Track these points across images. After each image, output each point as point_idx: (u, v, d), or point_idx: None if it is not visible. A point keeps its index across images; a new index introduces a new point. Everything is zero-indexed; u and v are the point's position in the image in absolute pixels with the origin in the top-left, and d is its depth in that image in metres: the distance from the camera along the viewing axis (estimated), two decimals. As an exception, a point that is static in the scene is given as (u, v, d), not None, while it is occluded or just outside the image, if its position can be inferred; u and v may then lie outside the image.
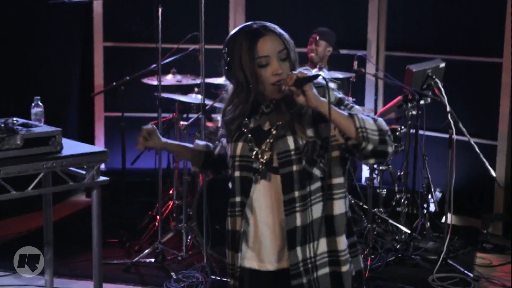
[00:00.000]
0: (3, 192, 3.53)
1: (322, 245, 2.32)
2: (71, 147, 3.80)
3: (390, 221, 5.28)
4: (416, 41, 6.25)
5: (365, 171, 6.27)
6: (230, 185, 2.44)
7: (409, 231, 5.14)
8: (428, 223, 5.33)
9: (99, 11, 6.70)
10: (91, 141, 6.80)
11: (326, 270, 2.33)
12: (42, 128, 3.68)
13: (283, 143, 2.30)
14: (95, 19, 6.71)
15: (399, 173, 5.40)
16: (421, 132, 5.26)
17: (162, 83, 5.25)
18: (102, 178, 3.84)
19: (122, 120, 5.38)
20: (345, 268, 2.33)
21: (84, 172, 3.84)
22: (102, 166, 6.87)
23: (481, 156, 4.84)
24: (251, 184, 2.36)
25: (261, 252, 2.39)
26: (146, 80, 5.40)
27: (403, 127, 5.29)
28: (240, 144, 2.40)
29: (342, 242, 2.34)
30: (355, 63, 5.23)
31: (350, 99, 2.37)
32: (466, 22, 5.98)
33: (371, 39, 6.39)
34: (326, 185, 2.31)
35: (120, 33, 6.76)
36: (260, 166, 2.34)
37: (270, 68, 2.28)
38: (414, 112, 5.11)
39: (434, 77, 5.04)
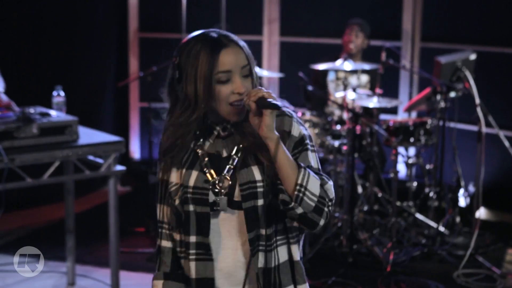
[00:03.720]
0: (19, 179, 3.62)
1: None
2: (88, 136, 3.85)
3: (417, 215, 5.21)
4: (453, 32, 6.12)
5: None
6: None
7: (435, 226, 5.06)
8: (458, 218, 5.24)
9: (134, 2, 6.76)
10: (126, 131, 6.88)
11: None
12: (59, 117, 3.74)
13: (247, 172, 1.97)
14: (130, 10, 6.77)
15: (428, 167, 5.31)
16: (452, 125, 5.17)
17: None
18: (119, 168, 3.89)
19: (149, 111, 5.42)
20: None
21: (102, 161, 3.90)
22: (137, 155, 6.97)
23: (510, 150, 4.72)
24: (209, 220, 1.99)
25: None
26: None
27: (433, 119, 5.20)
28: (194, 174, 2.00)
29: None
30: (383, 54, 5.15)
31: (314, 145, 2.06)
32: (506, 12, 5.83)
33: (407, 29, 6.29)
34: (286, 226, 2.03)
35: (155, 23, 6.81)
36: (219, 199, 1.99)
37: (231, 86, 1.93)
38: (444, 105, 5.02)
39: (463, 69, 4.93)
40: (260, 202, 1.97)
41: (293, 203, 1.90)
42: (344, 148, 5.01)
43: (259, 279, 2.00)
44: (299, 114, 5.17)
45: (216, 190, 1.98)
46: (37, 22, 5.91)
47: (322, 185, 1.94)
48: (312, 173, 1.93)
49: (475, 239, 4.77)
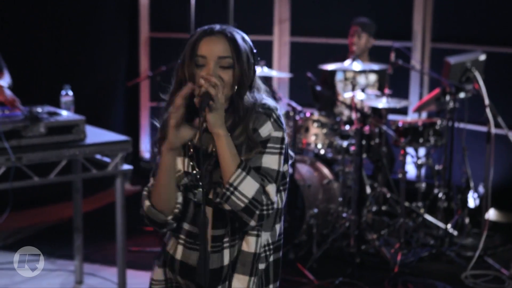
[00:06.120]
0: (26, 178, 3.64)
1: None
2: (95, 135, 3.87)
3: (426, 216, 5.19)
4: (464, 33, 6.10)
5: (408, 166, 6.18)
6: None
7: (443, 227, 5.04)
8: (467, 219, 5.22)
9: (145, 2, 6.78)
10: (136, 130, 6.91)
11: None
12: (66, 116, 3.76)
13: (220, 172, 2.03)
14: (141, 9, 6.79)
15: (437, 167, 5.30)
16: (462, 125, 5.15)
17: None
18: (126, 167, 3.90)
19: (159, 110, 5.42)
20: None
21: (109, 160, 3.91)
22: (148, 155, 6.99)
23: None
24: (194, 208, 2.10)
25: None
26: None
27: (443, 120, 5.17)
28: (180, 159, 2.09)
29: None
30: (392, 54, 5.14)
31: (283, 148, 2.07)
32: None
33: (417, 30, 6.27)
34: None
35: (166, 23, 6.82)
36: (197, 192, 2.08)
37: (203, 70, 2.02)
38: (453, 105, 5.00)
39: (473, 69, 4.91)
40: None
41: (218, 199, 1.99)
42: (353, 148, 5.00)
43: (220, 274, 2.08)
44: (308, 114, 5.16)
45: (195, 183, 2.07)
46: (46, 20, 5.94)
47: (263, 187, 1.99)
48: (251, 176, 1.97)
49: (484, 240, 4.75)
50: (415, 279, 4.49)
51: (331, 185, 5.04)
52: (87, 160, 3.86)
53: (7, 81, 3.98)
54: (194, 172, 2.07)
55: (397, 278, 4.45)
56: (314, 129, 5.11)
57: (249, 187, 1.96)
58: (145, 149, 7.00)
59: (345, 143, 5.03)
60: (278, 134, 2.05)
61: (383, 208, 5.26)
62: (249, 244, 2.07)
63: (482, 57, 5.09)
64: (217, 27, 2.07)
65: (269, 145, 2.03)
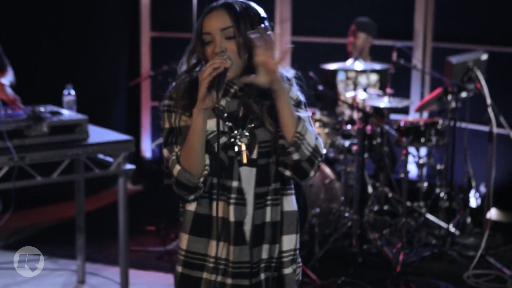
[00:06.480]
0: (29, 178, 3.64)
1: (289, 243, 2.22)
2: (98, 135, 3.87)
3: (428, 215, 5.20)
4: (465, 32, 6.10)
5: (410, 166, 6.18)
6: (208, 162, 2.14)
7: (445, 226, 5.04)
8: (469, 218, 5.22)
9: (146, 2, 6.78)
10: (138, 130, 6.90)
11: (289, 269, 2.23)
12: (69, 116, 3.76)
13: (264, 131, 2.14)
14: (142, 9, 6.79)
15: (439, 167, 5.30)
16: (464, 125, 5.15)
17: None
18: (128, 166, 3.90)
19: (159, 110, 5.43)
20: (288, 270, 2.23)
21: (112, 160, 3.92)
22: (149, 154, 6.99)
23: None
24: (234, 164, 2.14)
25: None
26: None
27: (445, 119, 5.18)
28: (212, 120, 2.10)
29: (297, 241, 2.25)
30: (394, 54, 5.14)
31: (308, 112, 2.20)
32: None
33: (418, 29, 6.27)
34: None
35: (167, 23, 6.82)
36: (243, 154, 2.13)
37: (212, 46, 2.10)
38: (455, 105, 5.00)
39: (474, 69, 4.91)
40: (272, 159, 2.15)
41: (291, 148, 2.06)
42: (354, 148, 5.00)
43: (263, 231, 2.16)
44: (310, 113, 5.15)
45: (238, 144, 2.13)
46: (48, 20, 5.94)
47: (316, 139, 2.12)
48: (309, 126, 2.11)
49: (485, 240, 4.75)
50: (417, 278, 4.49)
51: (333, 185, 5.04)
52: (90, 160, 3.86)
53: (9, 79, 3.97)
54: (234, 133, 2.13)
55: (399, 277, 4.45)
56: (316, 128, 5.12)
57: (311, 136, 2.09)
58: (146, 148, 7.00)
59: (347, 143, 5.03)
60: (303, 98, 2.21)
61: (385, 207, 5.26)
62: (291, 204, 2.22)
63: (484, 57, 5.09)
64: (220, 1, 2.14)
65: (301, 106, 2.18)
